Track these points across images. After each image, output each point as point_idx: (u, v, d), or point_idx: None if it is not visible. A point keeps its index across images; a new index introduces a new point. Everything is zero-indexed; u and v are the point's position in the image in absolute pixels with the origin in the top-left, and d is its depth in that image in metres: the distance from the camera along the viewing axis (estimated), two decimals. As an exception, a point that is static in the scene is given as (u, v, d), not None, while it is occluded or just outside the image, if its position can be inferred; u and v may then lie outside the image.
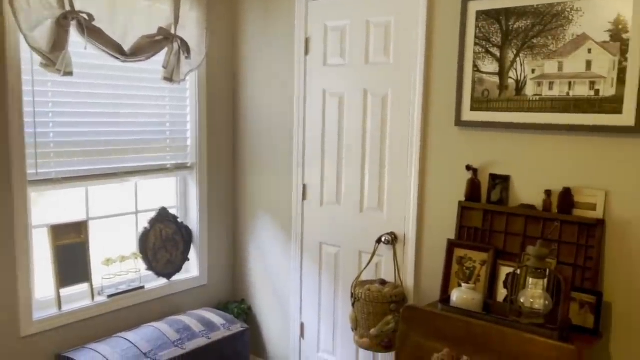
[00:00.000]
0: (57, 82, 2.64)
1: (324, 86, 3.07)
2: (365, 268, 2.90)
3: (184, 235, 3.31)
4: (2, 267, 2.49)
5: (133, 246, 3.11)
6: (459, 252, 2.52)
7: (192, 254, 3.37)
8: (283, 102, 3.27)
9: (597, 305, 2.16)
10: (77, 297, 2.82)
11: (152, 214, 3.15)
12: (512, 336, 2.03)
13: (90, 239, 2.85)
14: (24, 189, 2.53)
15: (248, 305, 3.53)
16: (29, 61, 2.50)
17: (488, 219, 2.48)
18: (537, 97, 2.30)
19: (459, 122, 2.54)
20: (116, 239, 3.07)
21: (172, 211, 3.27)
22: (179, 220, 3.29)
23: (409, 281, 2.81)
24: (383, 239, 2.87)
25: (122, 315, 2.97)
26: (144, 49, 2.84)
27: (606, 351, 2.21)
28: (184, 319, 2.97)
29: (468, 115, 2.51)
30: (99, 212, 2.97)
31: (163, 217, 3.19)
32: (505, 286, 2.38)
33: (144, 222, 3.13)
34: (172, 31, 2.98)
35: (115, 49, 2.71)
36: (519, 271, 2.23)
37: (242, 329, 3.01)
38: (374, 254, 2.87)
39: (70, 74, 2.53)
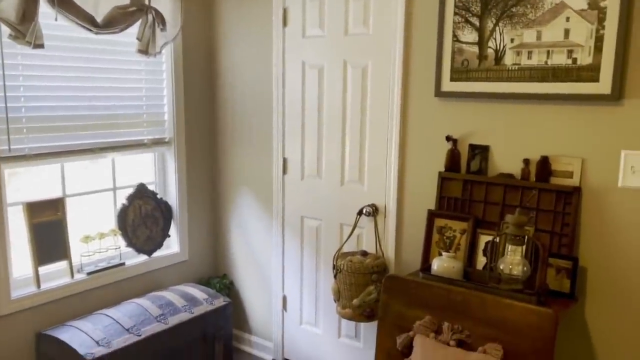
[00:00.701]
0: (27, 55, 2.55)
1: (303, 58, 3.04)
2: (346, 240, 2.92)
3: (164, 212, 3.27)
4: (-23, 246, 2.44)
5: (112, 223, 3.07)
6: (439, 222, 2.55)
7: (173, 230, 3.34)
8: (262, 74, 3.22)
9: (573, 271, 2.21)
10: (55, 275, 2.78)
11: (130, 190, 3.11)
12: (492, 302, 2.08)
13: (67, 216, 2.80)
14: (-4, 166, 2.46)
15: (230, 280, 3.53)
16: (-4, 33, 2.41)
17: (467, 188, 2.50)
18: (516, 67, 2.31)
19: (439, 93, 2.54)
20: (94, 216, 3.02)
21: (151, 187, 3.23)
22: (158, 196, 3.25)
23: (390, 252, 2.84)
24: (364, 211, 2.88)
25: (103, 292, 2.95)
26: (117, 20, 2.76)
27: (581, 314, 2.28)
28: (166, 294, 2.96)
29: (448, 85, 2.51)
30: (75, 189, 2.91)
31: (142, 193, 3.15)
32: (484, 254, 2.42)
33: (122, 199, 3.08)
34: (146, 2, 2.90)
35: (87, 20, 2.63)
36: (498, 239, 2.27)
37: (224, 302, 3.02)
38: (355, 226, 2.89)
39: (41, 46, 2.45)
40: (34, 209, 2.67)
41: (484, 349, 2.03)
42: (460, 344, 2.09)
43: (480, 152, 2.48)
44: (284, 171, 3.21)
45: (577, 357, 2.31)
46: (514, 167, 2.40)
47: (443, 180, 2.57)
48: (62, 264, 2.80)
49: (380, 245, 2.87)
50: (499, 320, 2.04)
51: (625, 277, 2.18)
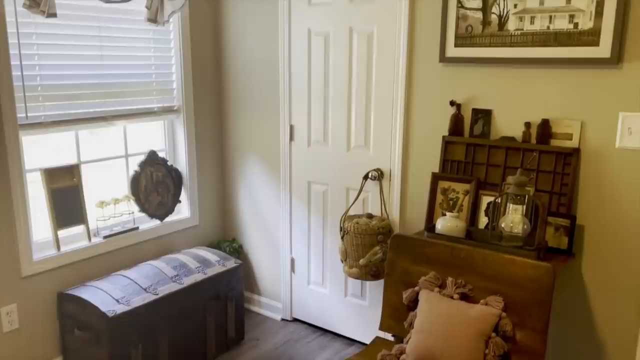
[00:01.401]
0: (40, 25, 2.61)
1: (309, 26, 3.09)
2: (353, 203, 3.02)
3: (174, 178, 3.37)
4: (0, 211, 2.55)
5: (125, 189, 3.17)
6: (442, 184, 2.65)
7: (183, 196, 3.44)
8: (268, 42, 3.28)
9: (571, 228, 2.32)
10: (74, 238, 2.89)
11: (142, 158, 3.20)
12: (493, 257, 2.19)
13: (83, 183, 2.90)
14: (15, 133, 2.54)
15: (239, 244, 3.65)
16: (11, 2, 2.46)
17: (470, 152, 2.59)
18: (519, 32, 2.38)
19: (443, 59, 2.61)
20: (108, 183, 3.12)
21: (161, 154, 3.32)
22: (169, 163, 3.34)
23: (394, 214, 2.95)
24: (370, 175, 2.98)
25: (119, 255, 3.07)
26: (127, -11, 2.80)
27: (578, 269, 2.40)
28: (180, 256, 3.08)
29: (452, 51, 2.58)
30: (90, 156, 3.00)
31: (152, 160, 3.24)
32: (486, 214, 2.53)
33: (134, 166, 3.17)
34: (154, -30, 2.94)
35: (98, -11, 2.67)
36: (499, 199, 2.38)
37: (235, 264, 3.14)
38: (361, 189, 2.99)
39: (53, 15, 2.51)
40: (51, 175, 2.76)
41: (486, 301, 2.16)
42: (464, 297, 2.22)
43: (483, 116, 2.56)
44: (291, 138, 3.29)
45: (573, 309, 2.44)
46: (516, 131, 2.48)
47: (447, 144, 2.66)
48: (79, 228, 2.91)
49: (385, 208, 2.97)
50: (500, 274, 2.16)
51: (620, 234, 2.29)
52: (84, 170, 2.94)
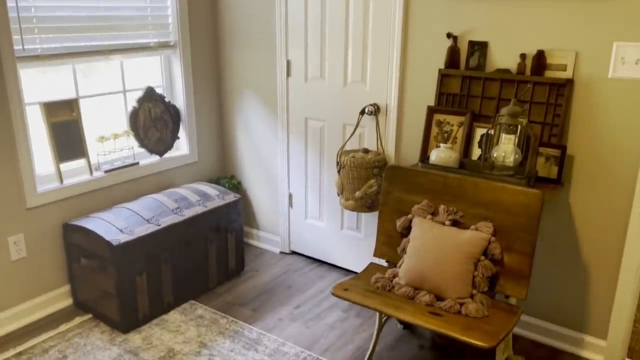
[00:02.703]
0: (32, -47, 2.56)
1: (306, -43, 3.03)
2: (349, 138, 3.07)
3: (172, 115, 3.39)
4: (3, 143, 2.58)
5: (124, 125, 3.20)
6: (437, 117, 2.70)
7: (182, 133, 3.48)
8: (264, -24, 3.23)
9: (561, 158, 2.39)
10: (76, 172, 2.95)
11: (140, 94, 3.21)
12: (485, 185, 2.27)
13: (82, 117, 2.93)
14: (13, 65, 2.55)
15: (238, 181, 3.73)
16: None
17: (466, 84, 2.62)
18: (517, -39, 2.35)
19: (441, -10, 2.59)
20: (108, 118, 3.15)
21: (159, 91, 3.33)
22: (166, 99, 3.36)
23: (390, 149, 3.00)
24: (366, 110, 3.01)
25: (120, 189, 3.14)
26: None
27: (566, 197, 2.48)
28: (180, 190, 3.15)
29: (450, -18, 2.55)
30: (88, 91, 3.01)
31: (150, 96, 3.25)
32: (479, 146, 2.58)
33: (132, 102, 3.19)
34: None
35: None
36: (492, 131, 2.43)
37: (235, 198, 3.22)
38: (357, 125, 3.03)
39: (45, -57, 2.46)
40: (50, 109, 2.79)
41: (476, 227, 2.25)
42: (455, 223, 2.31)
43: (479, 48, 2.57)
44: (288, 73, 3.30)
45: (559, 235, 2.54)
46: (511, 63, 2.50)
47: (443, 77, 2.68)
48: (80, 162, 2.96)
49: (381, 143, 3.02)
50: (490, 201, 2.24)
51: (608, 164, 2.36)
52: (83, 105, 2.97)
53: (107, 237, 2.62)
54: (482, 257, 2.19)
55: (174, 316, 2.88)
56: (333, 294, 2.26)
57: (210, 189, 3.22)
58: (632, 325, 2.53)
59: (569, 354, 2.61)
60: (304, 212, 3.49)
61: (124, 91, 3.20)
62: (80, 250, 2.80)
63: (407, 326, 2.81)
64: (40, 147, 2.80)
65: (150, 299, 2.80)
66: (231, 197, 3.22)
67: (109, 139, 3.07)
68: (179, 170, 3.49)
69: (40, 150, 2.80)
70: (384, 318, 2.52)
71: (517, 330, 2.75)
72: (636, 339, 2.69)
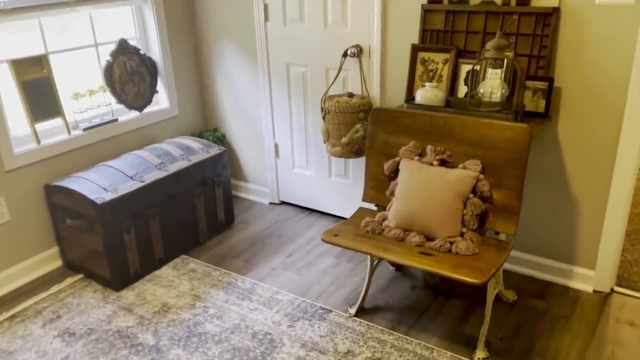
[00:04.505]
0: None
1: None
2: (332, 83, 2.99)
3: (149, 68, 3.28)
4: (-29, 104, 2.48)
5: (99, 80, 3.09)
6: (422, 55, 2.62)
7: (160, 86, 3.38)
8: None
9: (548, 91, 2.34)
10: (53, 131, 2.87)
11: (113, 47, 3.08)
12: (472, 123, 2.22)
13: (54, 74, 2.81)
14: (-26, 21, 2.42)
15: (222, 133, 3.65)
16: None
17: (450, 19, 2.53)
18: None
19: None
20: (81, 74, 3.03)
21: (133, 43, 3.20)
22: (141, 52, 3.23)
23: (375, 92, 2.93)
24: (349, 52, 2.92)
25: (101, 147, 3.06)
26: None
27: (554, 130, 2.45)
28: (163, 145, 3.08)
29: None
30: (57, 47, 2.88)
31: (124, 49, 3.13)
32: (466, 83, 2.52)
33: (105, 56, 3.07)
34: None
35: None
36: (478, 67, 2.36)
37: (219, 151, 3.16)
38: (340, 68, 2.95)
39: None
40: (19, 66, 2.67)
41: (464, 165, 2.22)
42: (443, 163, 2.28)
43: (463, -20, 2.47)
44: (266, 18, 3.17)
45: (548, 168, 2.53)
46: (496, -6, 2.41)
47: (425, 12, 2.58)
48: (57, 122, 2.87)
49: (365, 86, 2.95)
50: (478, 139, 2.21)
51: (596, 93, 2.31)
52: (54, 61, 2.84)
53: (91, 196, 2.57)
54: (471, 195, 2.18)
55: (166, 271, 2.88)
56: (323, 240, 2.24)
57: (193, 143, 3.15)
58: (620, 254, 2.56)
59: (559, 286, 2.65)
60: (291, 162, 3.44)
61: (96, 45, 3.06)
62: (64, 211, 2.75)
63: (399, 268, 2.83)
64: (14, 107, 2.70)
65: (140, 256, 2.78)
66: (215, 149, 3.15)
67: (85, 95, 2.96)
68: (160, 125, 3.40)
69: (14, 111, 2.70)
70: (375, 261, 2.52)
71: (507, 265, 2.78)
72: (624, 267, 2.73)
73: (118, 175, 2.75)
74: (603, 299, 2.56)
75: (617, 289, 2.60)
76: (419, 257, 2.08)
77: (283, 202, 3.61)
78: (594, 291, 2.59)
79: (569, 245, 2.60)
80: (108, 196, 2.60)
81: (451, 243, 2.13)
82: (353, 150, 2.88)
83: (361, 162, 3.03)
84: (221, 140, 3.60)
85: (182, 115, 3.54)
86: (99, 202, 2.55)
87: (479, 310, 2.49)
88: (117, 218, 2.63)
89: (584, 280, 2.61)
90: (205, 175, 3.07)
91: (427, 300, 2.58)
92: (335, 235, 2.25)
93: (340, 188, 3.29)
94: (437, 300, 2.58)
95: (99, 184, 2.66)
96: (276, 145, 3.47)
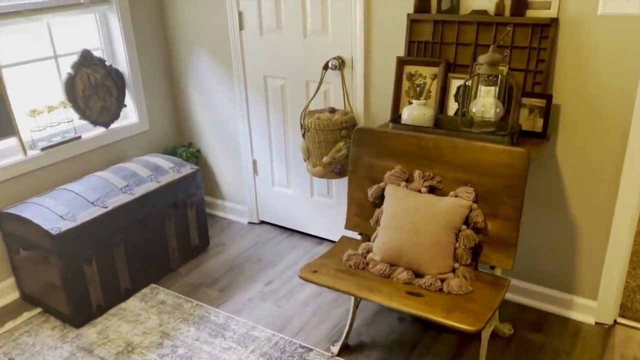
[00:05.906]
0: None
1: None
2: (313, 97, 2.77)
3: (116, 80, 3.04)
4: None
5: (60, 95, 2.85)
6: (409, 69, 2.41)
7: (128, 99, 3.13)
8: None
9: (546, 109, 2.14)
10: (7, 152, 2.63)
11: (75, 58, 2.84)
12: (463, 146, 2.02)
13: (7, 90, 2.57)
14: None
15: (197, 148, 3.42)
16: None
17: (438, 30, 2.32)
18: None
19: None
20: (39, 89, 2.78)
21: (97, 54, 2.96)
22: (107, 63, 2.99)
23: (358, 106, 2.72)
24: (330, 64, 2.70)
25: (61, 168, 2.82)
26: None
27: (552, 151, 2.25)
28: (129, 165, 2.84)
29: None
30: (12, 59, 2.63)
31: (88, 60, 2.89)
32: (456, 99, 2.31)
33: (66, 68, 2.82)
34: None
35: None
36: (470, 82, 2.15)
37: (192, 170, 2.92)
38: (321, 81, 2.73)
39: None
40: (-34, 82, 2.42)
41: (456, 192, 2.01)
42: (432, 190, 2.07)
43: (452, -13, 2.26)
44: (241, 27, 2.94)
45: (547, 193, 2.33)
46: (488, 2, 2.20)
47: (412, 22, 2.37)
48: (11, 141, 2.63)
49: (348, 100, 2.74)
50: (470, 163, 2.00)
51: (599, 111, 2.12)
52: (8, 75, 2.59)
53: (45, 226, 2.33)
54: (464, 227, 1.97)
55: (132, 304, 2.64)
56: (301, 277, 2.02)
57: (163, 161, 2.92)
58: (624, 282, 2.37)
59: (558, 317, 2.46)
60: (270, 180, 3.22)
61: (55, 56, 2.82)
62: (19, 240, 2.50)
63: (386, 298, 2.61)
64: (-40, 127, 2.45)
65: (103, 288, 2.54)
66: (187, 168, 2.92)
67: (43, 112, 2.71)
68: (129, 142, 3.16)
69: (-40, 131, 2.46)
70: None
71: (502, 294, 2.58)
72: (627, 295, 2.54)
73: (78, 200, 2.51)
74: (606, 331, 2.37)
75: (620, 320, 2.41)
76: (406, 299, 1.86)
77: (263, 222, 3.39)
78: (596, 323, 2.40)
79: (569, 273, 2.40)
80: (65, 225, 2.36)
81: (442, 281, 1.93)
82: (335, 170, 2.66)
83: (345, 181, 2.81)
84: (196, 155, 3.37)
85: (153, 130, 3.30)
86: (54, 232, 2.31)
87: (473, 346, 2.28)
88: (76, 248, 2.39)
89: (585, 311, 2.41)
90: (176, 197, 2.84)
91: (416, 335, 2.38)
92: (315, 272, 2.03)
93: (322, 208, 3.07)
94: (428, 334, 2.38)
95: (56, 212, 2.42)
96: (254, 162, 3.24)
